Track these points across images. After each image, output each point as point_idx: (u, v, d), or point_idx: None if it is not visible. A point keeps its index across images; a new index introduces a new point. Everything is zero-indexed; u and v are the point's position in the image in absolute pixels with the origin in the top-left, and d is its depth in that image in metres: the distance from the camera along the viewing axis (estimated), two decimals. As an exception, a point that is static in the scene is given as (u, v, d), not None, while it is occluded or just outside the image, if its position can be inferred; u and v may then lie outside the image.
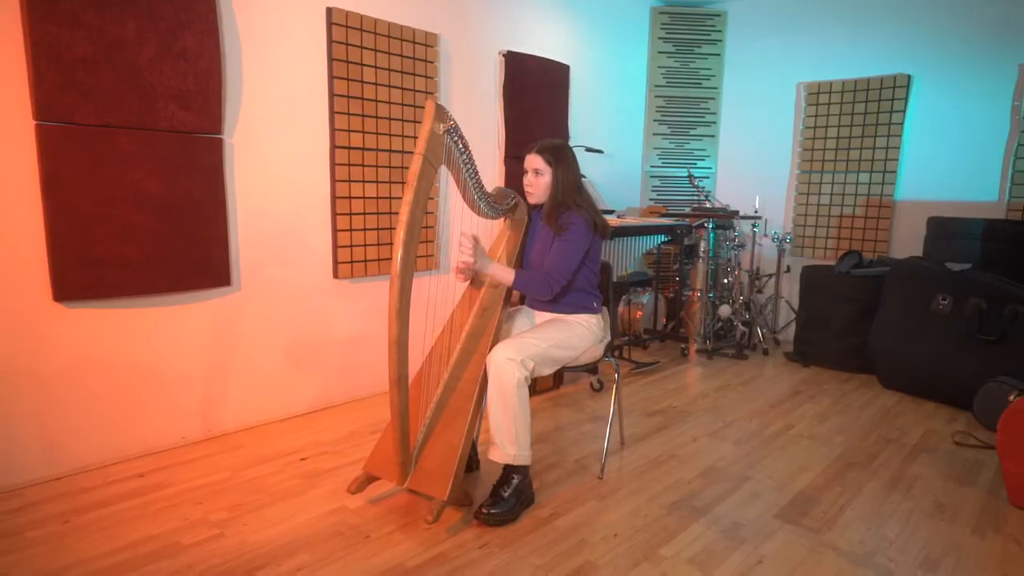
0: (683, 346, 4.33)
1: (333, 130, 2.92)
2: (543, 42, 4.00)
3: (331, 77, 2.89)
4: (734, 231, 4.51)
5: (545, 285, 2.17)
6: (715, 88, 4.98)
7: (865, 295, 3.80)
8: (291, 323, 2.91)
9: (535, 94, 3.91)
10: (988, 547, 1.96)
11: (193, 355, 2.60)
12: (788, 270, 4.58)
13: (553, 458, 2.56)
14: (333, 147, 2.94)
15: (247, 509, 2.09)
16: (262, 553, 1.84)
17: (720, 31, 4.90)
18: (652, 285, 4.47)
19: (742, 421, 3.02)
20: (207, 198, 2.54)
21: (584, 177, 2.48)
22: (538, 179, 2.24)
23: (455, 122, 1.95)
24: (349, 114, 2.96)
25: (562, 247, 2.19)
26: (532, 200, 2.30)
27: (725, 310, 4.35)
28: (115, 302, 2.36)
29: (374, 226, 3.12)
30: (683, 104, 5.01)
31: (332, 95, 2.90)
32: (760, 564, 1.84)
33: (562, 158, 2.23)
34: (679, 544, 1.94)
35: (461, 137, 1.99)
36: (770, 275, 4.63)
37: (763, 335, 4.46)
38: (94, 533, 1.93)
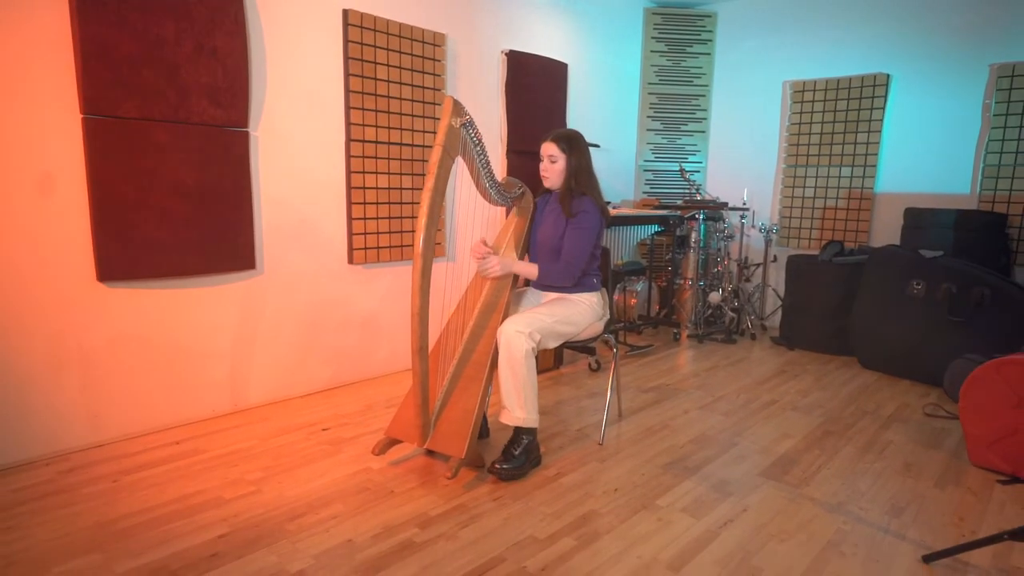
0: (675, 331, 4.55)
1: (349, 124, 3.12)
2: (543, 42, 4.20)
3: (347, 75, 3.08)
4: (723, 222, 4.74)
5: (567, 274, 2.39)
6: (705, 86, 5.21)
7: (846, 282, 4.03)
8: (310, 305, 3.10)
9: (535, 91, 4.11)
10: (948, 497, 2.19)
11: (222, 334, 2.79)
12: (775, 259, 4.82)
13: (556, 428, 2.77)
14: (349, 140, 3.13)
15: (279, 470, 2.29)
16: (300, 504, 2.04)
17: (710, 31, 5.12)
18: (646, 274, 4.69)
19: (730, 396, 3.25)
20: (234, 187, 2.72)
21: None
22: (553, 166, 2.45)
23: (470, 117, 2.16)
24: (364, 109, 3.15)
25: (578, 235, 2.39)
26: (547, 184, 2.50)
27: (715, 297, 4.58)
28: (152, 283, 2.55)
29: (386, 215, 3.32)
30: (675, 101, 5.23)
31: (348, 91, 3.09)
32: (745, 512, 2.06)
33: (575, 146, 2.44)
34: (673, 496, 2.16)
35: (476, 130, 2.19)
36: (758, 264, 4.86)
37: (751, 321, 4.69)
38: (143, 490, 2.12)
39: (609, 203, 4.43)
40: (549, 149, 2.45)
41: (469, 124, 2.16)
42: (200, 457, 2.39)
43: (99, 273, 2.38)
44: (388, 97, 3.26)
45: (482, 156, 2.27)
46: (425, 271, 2.07)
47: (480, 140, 2.23)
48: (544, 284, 2.55)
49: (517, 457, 2.24)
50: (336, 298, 3.21)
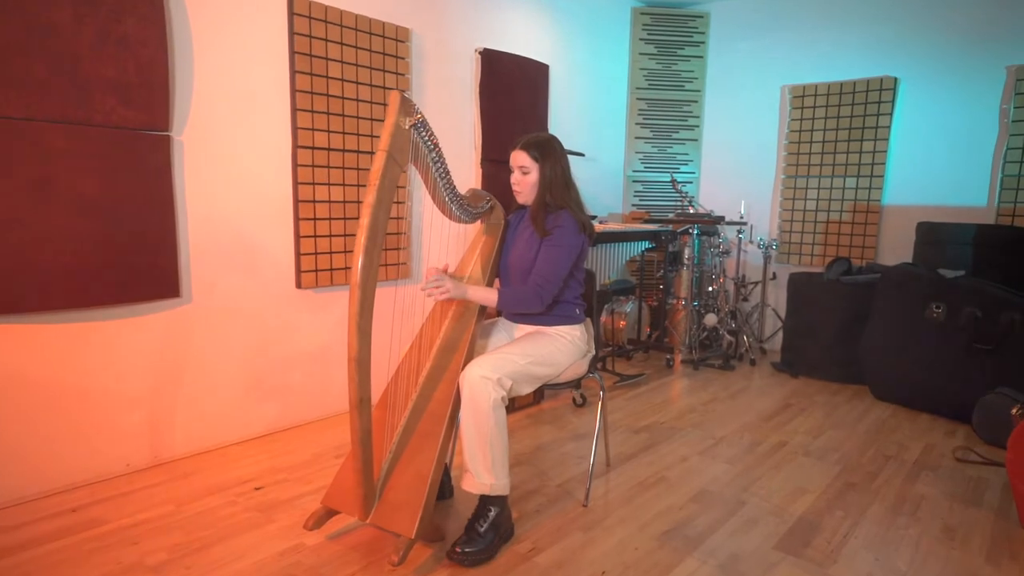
0: (668, 357, 4.16)
1: (295, 128, 2.71)
2: (521, 40, 3.83)
3: (293, 71, 2.68)
4: (719, 237, 4.38)
5: (535, 297, 1.99)
6: (698, 91, 4.86)
7: (855, 303, 3.67)
8: (249, 337, 2.68)
9: (513, 94, 3.73)
10: (1007, 579, 1.81)
11: (138, 374, 2.36)
12: (774, 277, 4.45)
13: (534, 482, 2.36)
14: (295, 147, 2.72)
15: (190, 549, 1.86)
16: (202, 604, 1.61)
17: (703, 33, 4.78)
18: (635, 293, 4.32)
19: (733, 437, 2.86)
20: (152, 201, 2.30)
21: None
22: (525, 178, 2.06)
23: (422, 116, 1.76)
24: (313, 112, 2.75)
25: (552, 253, 2.01)
26: (520, 200, 2.12)
27: (711, 319, 4.21)
28: (45, 317, 2.11)
29: (340, 232, 2.91)
30: (665, 107, 4.88)
31: (294, 91, 2.69)
32: (763, 604, 1.67)
33: (549, 153, 2.05)
34: (673, 582, 1.75)
35: (429, 132, 1.80)
36: (756, 282, 4.50)
37: (749, 344, 4.31)
38: (9, 582, 1.69)
39: (594, 217, 4.04)
40: (519, 159, 2.07)
41: (421, 125, 1.76)
42: (96, 531, 1.95)
43: (-27, 306, 1.95)
44: (342, 98, 2.86)
45: (439, 163, 1.87)
46: (365, 306, 1.66)
47: (436, 144, 1.83)
48: (512, 312, 2.17)
49: (483, 536, 1.83)
50: (281, 328, 2.79)
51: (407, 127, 1.73)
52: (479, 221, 2.24)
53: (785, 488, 2.35)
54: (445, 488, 2.20)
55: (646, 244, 3.82)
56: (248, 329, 2.67)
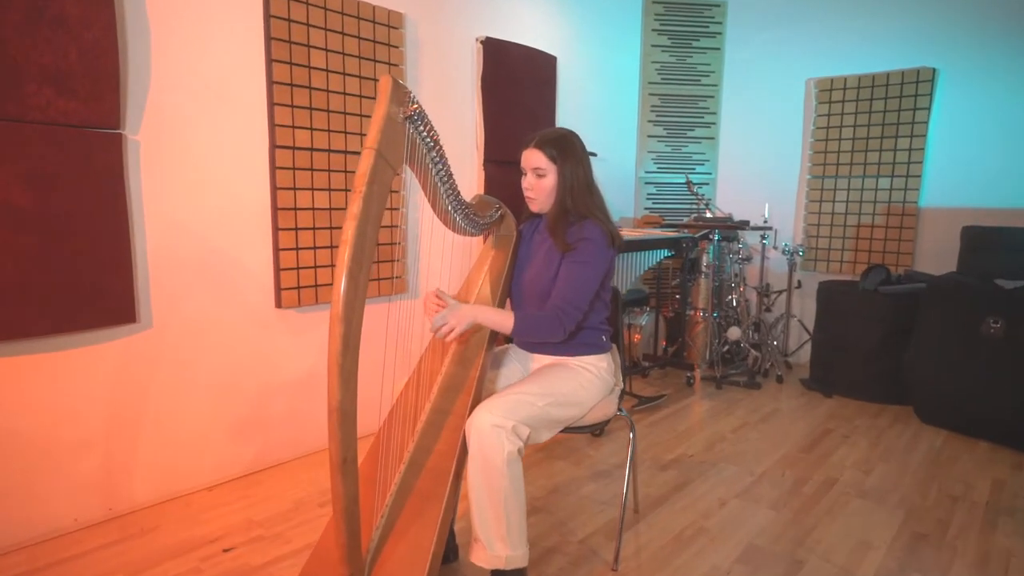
0: (688, 375, 3.82)
1: (273, 126, 2.37)
2: (527, 29, 3.49)
3: (269, 60, 2.34)
4: (739, 243, 4.05)
5: (556, 324, 1.65)
6: (715, 86, 4.53)
7: (895, 315, 3.34)
8: (221, 366, 2.33)
9: (518, 88, 3.39)
10: None
11: (88, 413, 2.01)
12: (799, 285, 4.12)
13: (552, 537, 2.02)
14: (273, 147, 2.38)
15: (137, 639, 1.52)
16: None
17: (720, 23, 4.45)
18: (650, 303, 3.98)
19: (773, 474, 2.52)
20: (102, 210, 1.96)
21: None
22: (540, 181, 1.73)
23: (420, 106, 1.42)
24: (293, 106, 2.41)
25: (576, 271, 1.67)
26: (535, 208, 1.79)
27: (735, 332, 3.87)
28: (-32, 350, 1.77)
29: (326, 243, 2.57)
30: (679, 103, 4.54)
31: (271, 83, 2.35)
32: None
33: (569, 152, 1.72)
34: None
35: (428, 127, 1.46)
36: (779, 291, 4.16)
37: (776, 359, 3.98)
38: None
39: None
40: (533, 159, 1.73)
41: (418, 117, 1.42)
42: (25, 614, 1.61)
43: None
44: (327, 91, 2.52)
45: (440, 164, 1.53)
46: (350, 342, 1.32)
47: (436, 142, 1.49)
48: (527, 340, 1.85)
49: (496, 623, 1.49)
50: (258, 354, 2.45)
51: (401, 119, 1.38)
52: (487, 233, 1.90)
53: (846, 542, 2.01)
54: (449, 550, 1.86)
55: (665, 252, 3.48)
56: (219, 356, 2.32)
